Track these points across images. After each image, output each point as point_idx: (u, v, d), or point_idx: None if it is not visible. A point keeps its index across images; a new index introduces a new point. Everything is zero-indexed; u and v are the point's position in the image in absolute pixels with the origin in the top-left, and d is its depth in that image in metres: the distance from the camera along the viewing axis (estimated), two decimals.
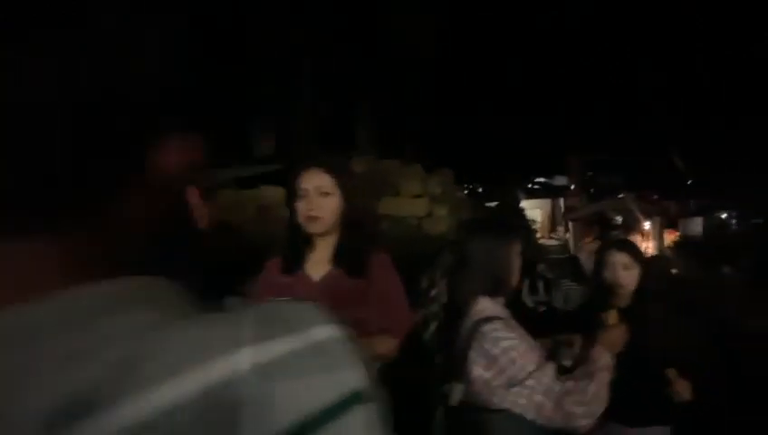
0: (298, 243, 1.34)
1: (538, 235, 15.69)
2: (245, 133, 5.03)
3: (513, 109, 11.98)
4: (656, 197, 18.27)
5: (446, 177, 3.66)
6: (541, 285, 4.37)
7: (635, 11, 10.24)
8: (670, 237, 16.23)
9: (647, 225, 17.67)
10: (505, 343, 1.12)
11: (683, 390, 1.51)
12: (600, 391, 1.10)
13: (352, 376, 0.27)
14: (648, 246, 16.57)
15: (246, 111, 4.88)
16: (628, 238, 3.61)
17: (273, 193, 3.16)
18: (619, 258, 1.57)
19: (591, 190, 18.90)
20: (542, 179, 19.60)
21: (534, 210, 17.77)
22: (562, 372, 1.17)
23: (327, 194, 1.28)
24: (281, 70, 4.97)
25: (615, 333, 1.27)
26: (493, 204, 9.74)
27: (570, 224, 18.18)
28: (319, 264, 1.34)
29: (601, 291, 1.62)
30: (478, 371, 1.11)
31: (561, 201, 19.07)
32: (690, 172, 13.84)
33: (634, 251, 1.66)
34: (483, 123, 11.84)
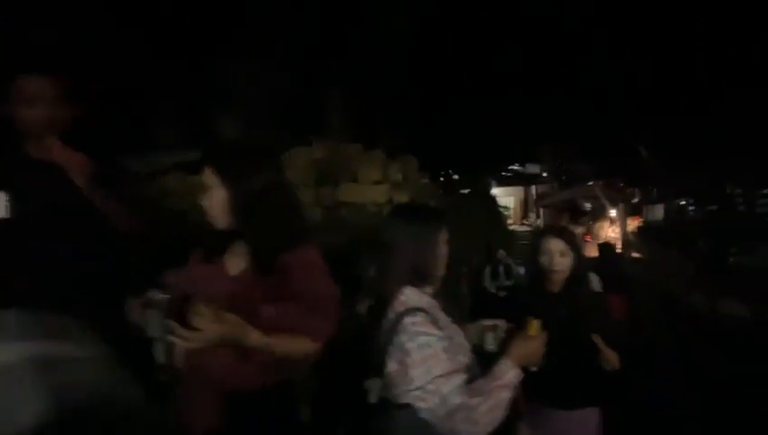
0: (215, 234, 1.27)
1: (510, 221, 16.07)
2: (211, 117, 4.89)
3: (487, 97, 12.14)
4: (622, 184, 19.06)
5: (408, 163, 3.62)
6: (502, 270, 4.58)
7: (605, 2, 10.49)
8: (634, 223, 17.05)
9: (613, 212, 18.43)
10: (422, 339, 1.04)
11: (612, 359, 1.50)
12: (494, 411, 1.00)
13: (22, 410, 0.23)
14: (613, 231, 17.37)
15: (214, 94, 4.76)
16: (577, 225, 3.78)
17: None
18: (555, 245, 1.59)
19: (563, 178, 19.51)
20: (515, 167, 20.00)
21: (507, 197, 18.24)
22: (487, 358, 1.13)
23: (210, 187, 1.22)
24: (249, 52, 4.87)
25: (530, 346, 1.13)
26: (466, 191, 9.93)
27: (541, 210, 18.79)
28: (238, 257, 1.25)
29: (537, 276, 1.67)
30: (393, 365, 1.04)
31: (534, 189, 19.63)
32: (654, 162, 14.46)
33: (570, 238, 1.65)
34: (457, 111, 11.96)
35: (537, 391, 1.44)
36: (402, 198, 3.30)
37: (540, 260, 1.63)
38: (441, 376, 0.99)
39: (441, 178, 14.34)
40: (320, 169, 3.36)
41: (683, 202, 13.19)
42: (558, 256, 1.58)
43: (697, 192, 11.90)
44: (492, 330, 1.27)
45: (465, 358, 1.12)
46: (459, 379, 1.02)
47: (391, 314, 1.09)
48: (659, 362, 3.88)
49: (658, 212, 15.95)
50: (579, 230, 3.69)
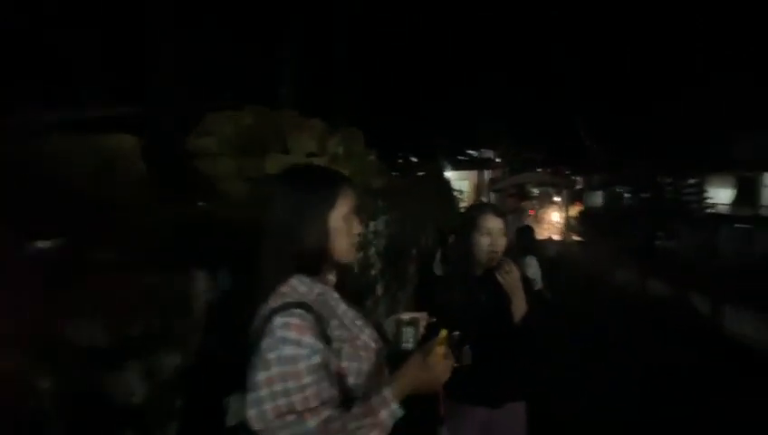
0: None
1: (464, 204, 16.53)
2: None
3: (450, 83, 12.25)
4: (567, 172, 20.18)
5: (352, 136, 3.16)
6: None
7: None
8: (576, 209, 18.18)
9: (557, 198, 19.46)
10: (287, 351, 0.74)
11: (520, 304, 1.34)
12: None
13: None
14: (559, 216, 18.46)
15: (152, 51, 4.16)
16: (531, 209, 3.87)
17: (122, 142, 2.42)
18: (496, 223, 1.41)
19: (515, 164, 20.26)
20: (471, 152, 20.47)
21: (462, 181, 18.68)
22: (404, 356, 0.87)
23: None
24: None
25: (428, 368, 0.80)
26: (422, 174, 10.03)
27: (492, 194, 19.47)
28: None
29: (465, 257, 1.44)
30: (252, 379, 0.75)
31: (486, 173, 20.25)
32: (597, 151, 15.38)
33: (504, 219, 1.48)
34: (420, 95, 11.97)
35: (458, 387, 1.30)
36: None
37: (477, 239, 1.39)
38: (291, 413, 0.73)
39: (399, 160, 14.39)
40: (247, 137, 2.88)
41: (619, 190, 14.16)
42: (499, 235, 1.39)
43: (633, 181, 12.82)
44: (409, 325, 1.01)
45: (355, 377, 0.83)
46: (314, 420, 0.73)
47: (265, 311, 0.80)
48: (587, 344, 4.09)
49: (598, 199, 17.09)
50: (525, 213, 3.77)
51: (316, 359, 0.75)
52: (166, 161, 2.28)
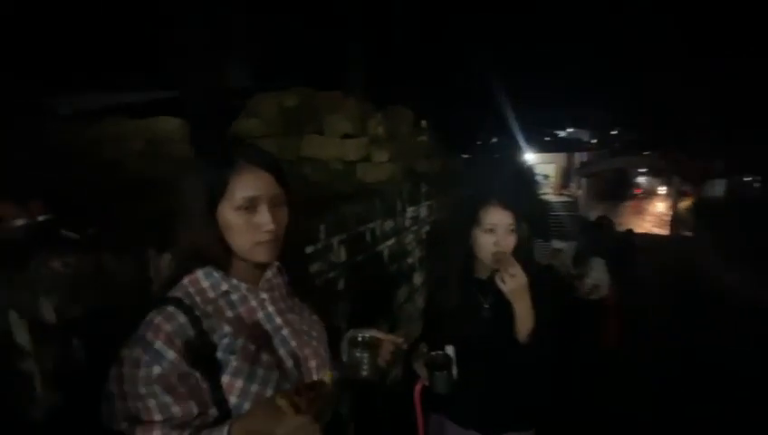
0: None
1: (549, 190, 15.23)
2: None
3: (531, 55, 11.22)
4: (680, 157, 17.29)
5: (397, 116, 3.12)
6: None
7: None
8: (688, 200, 15.57)
9: (663, 188, 16.86)
10: (135, 352, 0.64)
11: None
12: None
13: None
14: (666, 207, 15.95)
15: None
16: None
17: (167, 125, 2.54)
18: (501, 218, 1.11)
19: (613, 146, 17.97)
20: (560, 133, 18.67)
21: (548, 165, 17.17)
22: (361, 386, 0.76)
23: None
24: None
25: (270, 422, 0.59)
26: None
27: (582, 180, 17.58)
28: None
29: (468, 256, 1.17)
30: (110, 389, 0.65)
31: (577, 156, 18.31)
32: (714, 131, 12.90)
33: (518, 209, 1.17)
34: (501, 72, 11.12)
35: (457, 412, 1.14)
36: (381, 156, 2.81)
37: (478, 236, 1.12)
38: (131, 421, 0.63)
39: (478, 142, 13.70)
40: (288, 119, 2.84)
41: (749, 178, 11.83)
42: (506, 232, 1.10)
43: (763, 168, 10.59)
44: (365, 347, 0.82)
45: (239, 397, 0.68)
46: None
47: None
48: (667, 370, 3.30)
49: (719, 188, 14.44)
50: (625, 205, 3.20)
51: (156, 369, 0.64)
52: (209, 143, 2.36)
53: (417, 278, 2.63)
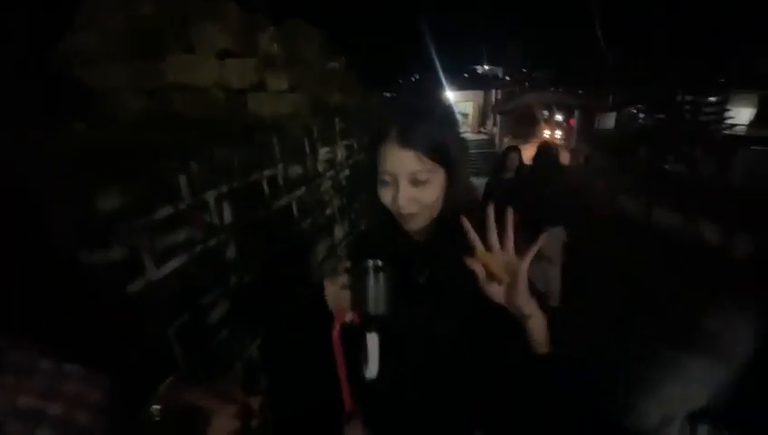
0: None
1: (466, 129, 15.63)
2: None
3: None
4: (580, 92, 18.70)
5: (298, 34, 2.43)
6: None
7: None
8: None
9: (559, 117, 18.32)
10: None
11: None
12: None
13: None
14: (570, 138, 17.46)
15: None
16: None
17: None
18: (406, 163, 0.81)
19: (525, 83, 18.69)
20: (477, 68, 18.83)
21: (465, 102, 17.42)
22: None
23: None
24: None
25: None
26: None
27: (497, 117, 18.27)
28: None
29: (378, 208, 0.89)
30: None
31: (494, 94, 18.80)
32: (616, 66, 14.06)
33: (409, 148, 0.81)
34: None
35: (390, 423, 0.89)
36: (278, 83, 2.21)
37: (383, 189, 0.87)
38: None
39: (400, 81, 13.31)
40: (142, 33, 2.05)
41: (634, 110, 13.18)
42: (408, 183, 0.82)
43: (649, 100, 11.83)
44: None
45: None
46: None
47: None
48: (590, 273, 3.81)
49: (610, 120, 15.99)
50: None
51: None
52: (25, 68, 1.73)
53: (339, 231, 2.40)
